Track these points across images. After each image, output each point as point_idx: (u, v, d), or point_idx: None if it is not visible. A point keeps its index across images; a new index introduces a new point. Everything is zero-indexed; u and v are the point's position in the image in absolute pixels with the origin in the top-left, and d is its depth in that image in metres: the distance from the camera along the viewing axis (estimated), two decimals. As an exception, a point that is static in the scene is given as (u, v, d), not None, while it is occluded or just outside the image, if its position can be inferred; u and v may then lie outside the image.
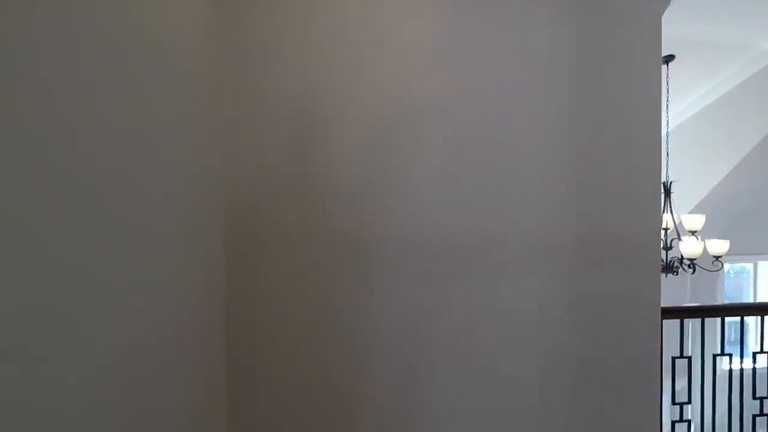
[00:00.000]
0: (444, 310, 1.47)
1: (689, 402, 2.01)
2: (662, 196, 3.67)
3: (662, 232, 3.73)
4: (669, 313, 1.97)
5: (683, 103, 4.25)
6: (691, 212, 4.20)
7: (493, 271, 1.49)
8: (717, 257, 3.52)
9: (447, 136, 1.46)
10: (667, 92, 3.65)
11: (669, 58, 3.62)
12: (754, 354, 2.12)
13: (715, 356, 2.06)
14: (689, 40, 3.43)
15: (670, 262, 3.59)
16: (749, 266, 6.65)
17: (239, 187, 1.38)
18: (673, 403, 1.99)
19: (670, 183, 3.62)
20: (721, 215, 4.59)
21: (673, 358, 2.00)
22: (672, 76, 3.78)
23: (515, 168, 1.50)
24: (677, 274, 3.56)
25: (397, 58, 1.43)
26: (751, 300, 6.67)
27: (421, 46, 1.45)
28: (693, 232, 3.50)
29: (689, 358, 2.01)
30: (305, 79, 1.39)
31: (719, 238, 4.63)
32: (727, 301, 6.40)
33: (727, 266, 6.67)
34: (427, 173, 1.45)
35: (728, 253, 6.28)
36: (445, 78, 1.45)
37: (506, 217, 1.50)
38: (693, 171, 4.25)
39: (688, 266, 3.41)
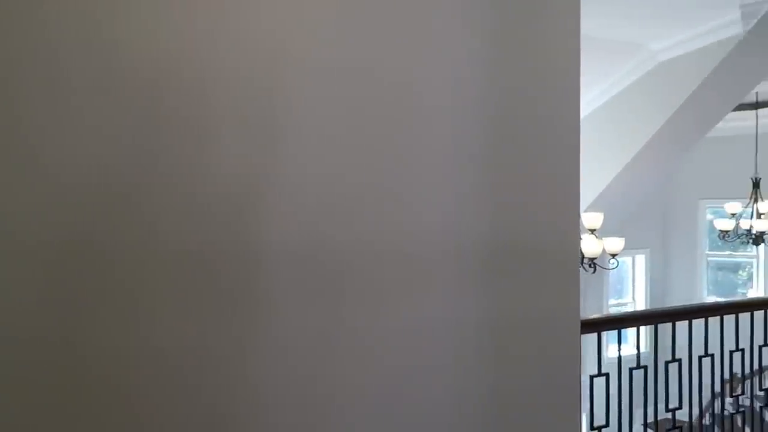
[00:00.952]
0: (314, 347, 1.00)
1: (607, 425, 1.79)
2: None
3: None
4: (587, 326, 1.73)
5: (581, 100, 4.29)
6: (587, 210, 4.24)
7: (379, 292, 1.05)
8: (613, 255, 3.54)
9: (324, 117, 0.98)
10: (568, 88, 3.58)
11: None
12: (666, 363, 1.96)
13: (631, 370, 1.87)
14: (586, 35, 3.37)
15: (571, 261, 3.53)
16: (628, 260, 7.20)
17: None
18: (592, 428, 1.75)
19: (571, 180, 3.57)
20: (612, 213, 4.73)
21: (592, 377, 1.77)
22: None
23: (414, 162, 1.06)
24: (578, 273, 3.51)
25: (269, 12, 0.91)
26: (630, 293, 7.24)
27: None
28: (592, 231, 3.47)
29: (607, 375, 1.78)
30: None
31: (609, 235, 4.79)
32: (612, 298, 6.87)
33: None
34: (293, 166, 0.95)
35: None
36: (330, 42, 0.98)
37: (401, 225, 1.07)
38: (589, 169, 4.30)
39: (589, 266, 3.36)
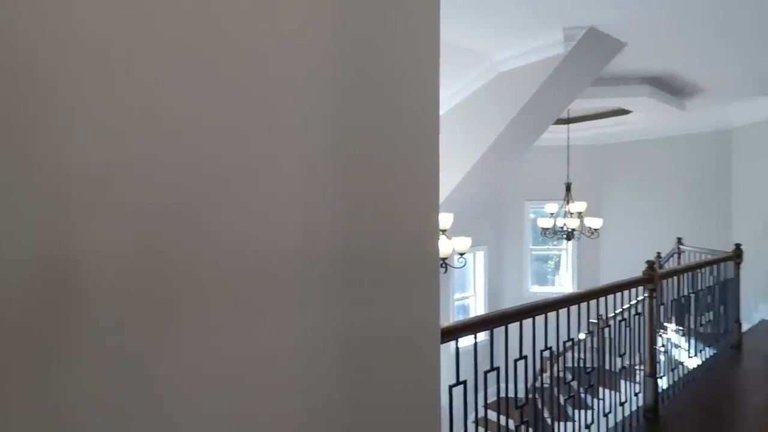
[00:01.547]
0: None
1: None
2: (416, 194, 3.61)
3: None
4: (446, 335, 1.62)
5: None
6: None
7: (215, 311, 0.74)
8: (461, 254, 3.67)
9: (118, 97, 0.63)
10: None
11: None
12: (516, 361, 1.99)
13: (486, 373, 1.83)
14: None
15: (424, 261, 3.56)
16: (470, 257, 7.83)
17: None
18: (452, 443, 1.65)
19: (423, 182, 3.60)
20: (459, 213, 4.99)
21: (451, 387, 1.67)
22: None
23: (255, 162, 0.78)
24: (430, 273, 3.55)
25: None
26: (472, 287, 7.89)
27: None
28: (443, 231, 3.55)
29: (464, 383, 1.71)
30: None
31: (455, 235, 5.03)
32: (458, 293, 7.40)
33: (456, 257, 7.73)
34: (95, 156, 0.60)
35: (457, 247, 7.22)
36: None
37: (238, 232, 0.77)
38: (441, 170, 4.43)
39: (441, 266, 3.41)
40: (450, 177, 4.31)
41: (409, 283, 1.14)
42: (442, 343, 1.64)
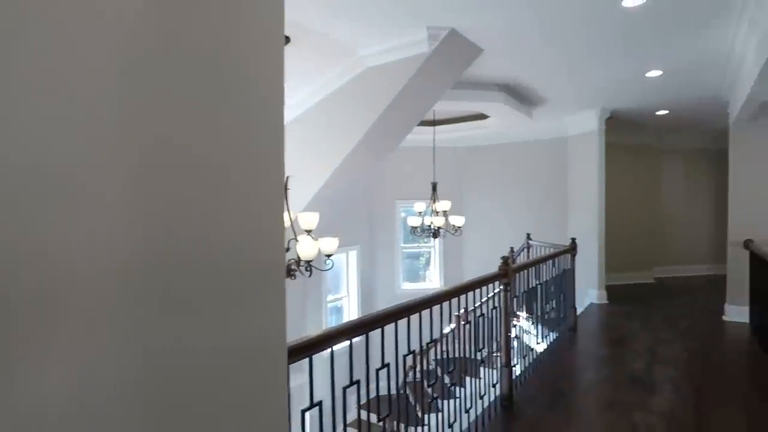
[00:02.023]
0: None
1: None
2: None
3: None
4: (296, 353, 1.40)
5: (297, 95, 4.14)
6: (304, 211, 4.12)
7: None
8: (328, 255, 3.49)
9: None
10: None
11: (286, 41, 3.30)
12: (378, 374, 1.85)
13: (345, 389, 1.65)
14: (304, 25, 3.20)
15: (288, 264, 3.30)
16: (342, 257, 7.74)
17: None
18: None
19: (287, 178, 3.33)
20: (327, 213, 4.80)
21: (303, 411, 1.46)
22: (288, 65, 3.49)
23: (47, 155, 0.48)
24: (294, 278, 3.30)
25: None
26: (345, 287, 7.80)
27: None
28: (308, 231, 3.32)
29: (320, 404, 1.51)
30: None
31: (324, 235, 4.84)
32: (331, 294, 7.23)
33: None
34: None
35: (329, 247, 7.05)
36: None
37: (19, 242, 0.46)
38: (305, 169, 4.20)
39: (306, 268, 3.19)
40: (317, 174, 4.10)
41: (246, 295, 0.90)
42: (295, 361, 1.42)
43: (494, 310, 3.01)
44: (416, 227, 6.07)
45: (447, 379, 3.04)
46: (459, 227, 5.96)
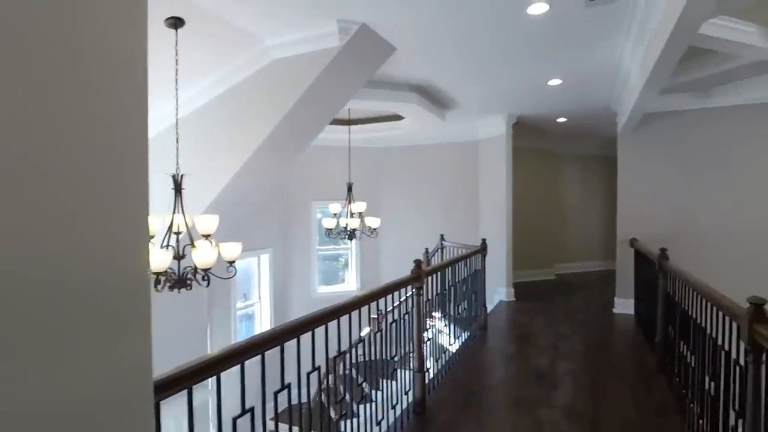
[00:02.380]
0: None
1: None
2: (173, 192, 2.98)
3: (173, 236, 3.05)
4: (168, 387, 1.17)
5: (195, 86, 3.76)
6: (205, 213, 3.77)
7: None
8: (231, 262, 3.19)
9: None
10: (176, 65, 2.97)
11: (178, 23, 2.95)
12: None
13: (235, 419, 1.44)
14: (203, 8, 2.88)
15: (183, 274, 2.95)
16: (254, 261, 7.32)
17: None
18: None
19: (182, 177, 2.99)
20: (231, 216, 4.45)
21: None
22: (184, 52, 3.15)
23: None
24: (191, 288, 2.96)
25: None
26: (257, 293, 7.38)
27: None
28: (207, 236, 3.01)
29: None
30: None
31: (227, 240, 4.49)
32: (242, 301, 6.77)
33: (238, 262, 7.09)
34: None
35: (239, 251, 6.61)
36: None
37: None
38: (205, 168, 3.84)
39: (203, 278, 2.87)
40: (219, 174, 3.76)
41: (94, 324, 0.69)
42: (167, 397, 1.19)
43: (407, 315, 2.94)
44: (331, 229, 5.89)
45: (364, 383, 2.91)
46: (375, 229, 5.89)
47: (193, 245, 2.93)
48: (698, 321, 2.40)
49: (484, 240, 4.86)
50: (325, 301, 8.01)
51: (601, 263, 9.19)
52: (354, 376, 3.94)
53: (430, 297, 3.40)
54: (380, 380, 2.93)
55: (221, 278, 3.13)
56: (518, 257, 6.57)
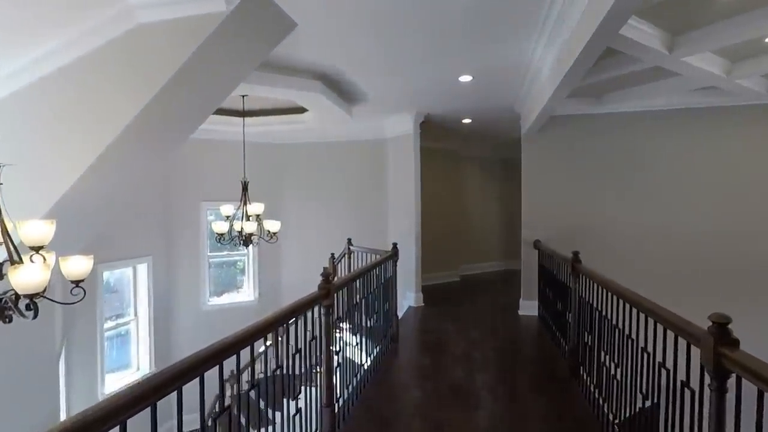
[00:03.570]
0: None
1: None
2: (-17, 190, 2.14)
3: (-11, 250, 2.21)
4: None
5: (21, 59, 2.86)
6: (47, 217, 2.89)
7: None
8: (78, 282, 2.41)
9: None
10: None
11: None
12: None
13: None
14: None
15: (1, 301, 2.13)
16: (128, 271, 6.21)
17: None
18: None
19: (-3, 169, 2.16)
20: (90, 219, 3.56)
21: None
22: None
23: None
24: (10, 320, 2.15)
25: None
26: (133, 308, 6.26)
27: None
28: (37, 249, 2.21)
29: None
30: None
31: (84, 250, 3.59)
32: (110, 320, 5.55)
33: (106, 274, 5.95)
34: None
35: (104, 261, 5.52)
36: None
37: None
38: (48, 158, 2.96)
39: (28, 307, 2.08)
40: (65, 169, 2.91)
41: None
42: None
43: (313, 342, 2.44)
44: (222, 235, 5.13)
45: (262, 404, 2.34)
46: (275, 233, 5.25)
47: (12, 261, 2.12)
48: (628, 332, 2.25)
49: (395, 245, 4.52)
50: (217, 313, 7.11)
51: (500, 263, 9.48)
52: (252, 396, 3.31)
53: (340, 314, 2.93)
54: (283, 400, 2.40)
55: (65, 303, 2.34)
56: (425, 260, 6.37)
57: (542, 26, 3.33)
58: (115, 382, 5.65)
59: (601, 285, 2.67)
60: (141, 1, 2.66)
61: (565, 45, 3.18)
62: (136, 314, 6.31)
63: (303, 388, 2.46)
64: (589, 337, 2.96)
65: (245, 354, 1.65)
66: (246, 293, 7.50)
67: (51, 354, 4.05)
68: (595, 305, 2.83)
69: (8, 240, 2.22)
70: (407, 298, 6.15)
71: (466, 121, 6.62)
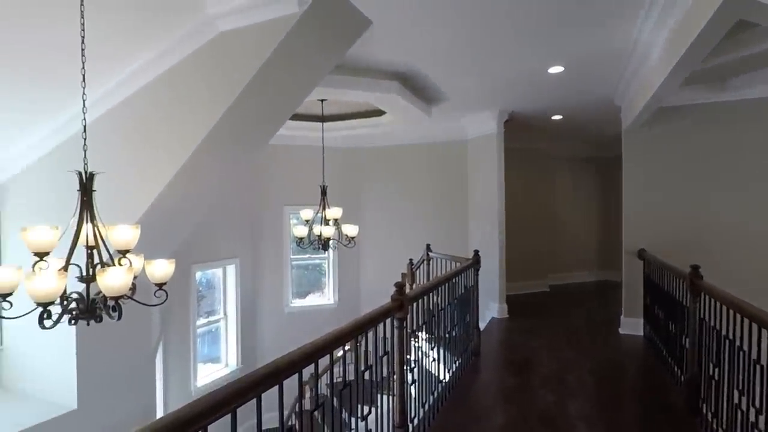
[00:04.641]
0: None
1: None
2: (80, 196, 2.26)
3: (85, 252, 2.34)
4: None
5: (116, 76, 3.04)
6: (138, 222, 3.06)
7: None
8: (161, 285, 2.47)
9: None
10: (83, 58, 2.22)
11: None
12: None
13: None
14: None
15: (92, 301, 2.24)
16: (219, 272, 6.56)
17: None
18: None
19: (90, 175, 2.27)
20: (178, 223, 3.73)
21: None
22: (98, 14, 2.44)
23: None
24: (101, 320, 2.25)
25: None
26: (222, 307, 6.61)
27: None
28: (124, 253, 2.30)
29: None
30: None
31: (176, 253, 3.77)
32: (202, 317, 5.90)
33: (198, 274, 6.34)
34: None
35: (197, 261, 5.86)
36: None
37: None
38: (144, 165, 3.14)
39: (113, 309, 2.16)
40: (156, 177, 3.05)
41: None
42: None
43: (385, 357, 2.27)
44: (302, 238, 5.19)
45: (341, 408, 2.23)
46: (353, 238, 5.21)
47: (103, 265, 2.22)
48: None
49: (476, 252, 4.23)
50: (299, 315, 7.25)
51: (594, 273, 8.66)
52: (331, 399, 3.24)
53: (414, 328, 2.73)
54: (359, 405, 2.26)
55: (145, 305, 2.42)
56: (509, 268, 5.95)
57: (650, 3, 2.87)
58: (205, 377, 5.98)
59: (733, 308, 2.18)
60: (219, 10, 2.70)
61: (682, 22, 2.70)
62: (225, 313, 6.64)
63: (379, 395, 2.31)
64: (716, 370, 2.45)
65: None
66: (326, 296, 7.60)
67: (149, 349, 4.33)
68: (723, 332, 2.34)
69: (101, 244, 2.33)
70: (490, 308, 5.78)
71: (556, 117, 6.09)
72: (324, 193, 5.28)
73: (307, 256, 7.41)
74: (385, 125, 6.04)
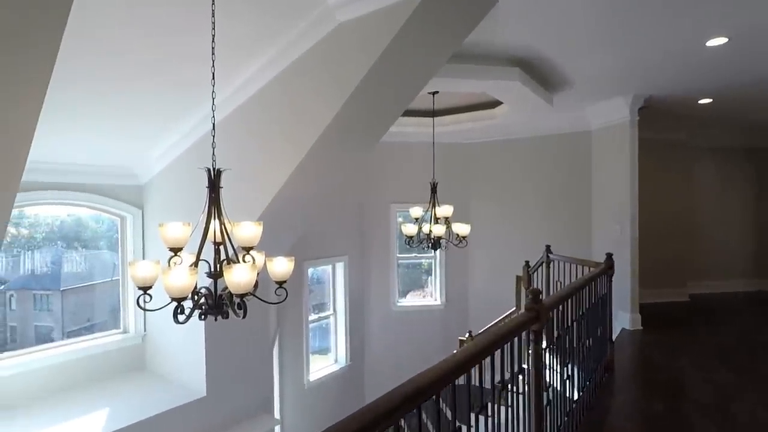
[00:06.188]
0: None
1: None
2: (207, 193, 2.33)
3: (213, 249, 2.41)
4: None
5: (243, 74, 3.13)
6: (260, 219, 3.13)
7: None
8: (281, 283, 2.47)
9: None
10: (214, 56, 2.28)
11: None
12: None
13: None
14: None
15: (219, 297, 2.30)
16: (328, 269, 6.72)
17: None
18: None
19: (218, 172, 2.33)
20: (294, 220, 3.79)
21: None
22: (226, 21, 2.50)
23: None
24: (227, 316, 2.29)
25: None
26: (331, 303, 6.76)
27: None
28: (248, 250, 2.31)
29: None
30: None
31: (291, 250, 3.84)
32: (313, 313, 6.08)
33: (311, 270, 6.54)
34: None
35: (308, 258, 6.03)
36: None
37: None
38: (267, 163, 3.21)
39: (238, 306, 2.17)
40: (276, 174, 3.10)
41: None
42: None
43: (521, 395, 1.98)
44: (412, 237, 5.05)
45: (449, 414, 2.01)
46: (464, 237, 4.94)
47: (229, 262, 2.25)
48: None
49: (609, 255, 3.71)
50: (405, 314, 7.14)
51: (748, 282, 7.33)
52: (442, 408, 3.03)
53: (551, 344, 2.40)
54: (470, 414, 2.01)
55: (267, 302, 2.42)
56: (641, 274, 5.20)
57: None
58: (317, 372, 6.15)
59: None
60: (338, 1, 2.62)
61: None
62: (334, 309, 6.78)
63: (490, 404, 2.04)
64: None
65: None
66: (432, 296, 7.41)
67: (268, 343, 4.50)
68: None
69: (228, 240, 2.38)
70: (620, 318, 5.12)
71: (704, 101, 5.20)
72: (434, 190, 5.08)
73: (413, 255, 7.29)
74: (497, 118, 5.66)
